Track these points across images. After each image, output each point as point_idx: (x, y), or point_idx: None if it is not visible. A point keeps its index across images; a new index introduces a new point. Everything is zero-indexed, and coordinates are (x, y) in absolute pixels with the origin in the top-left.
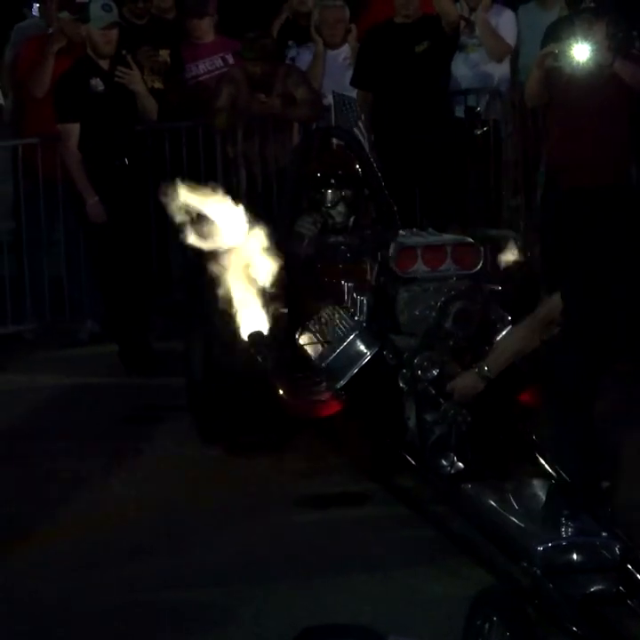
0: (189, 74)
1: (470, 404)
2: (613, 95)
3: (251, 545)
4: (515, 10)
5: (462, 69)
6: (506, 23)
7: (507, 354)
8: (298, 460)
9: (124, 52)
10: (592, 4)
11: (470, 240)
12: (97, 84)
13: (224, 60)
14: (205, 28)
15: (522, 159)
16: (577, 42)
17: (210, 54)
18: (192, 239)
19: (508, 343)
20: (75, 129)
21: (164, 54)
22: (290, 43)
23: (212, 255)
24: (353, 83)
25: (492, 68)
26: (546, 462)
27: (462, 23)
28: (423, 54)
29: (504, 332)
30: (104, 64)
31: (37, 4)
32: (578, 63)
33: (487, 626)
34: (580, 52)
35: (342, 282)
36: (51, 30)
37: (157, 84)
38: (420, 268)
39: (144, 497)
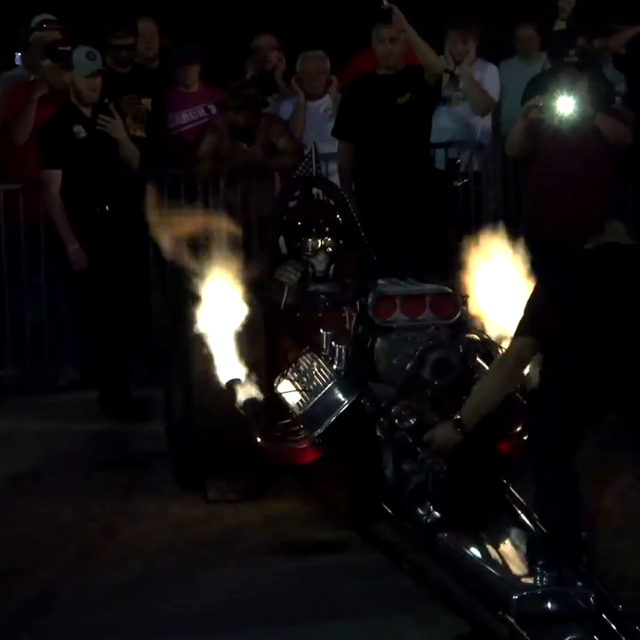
0: (172, 123)
1: (448, 453)
2: (597, 149)
3: (228, 592)
4: (497, 64)
5: (445, 122)
6: (490, 77)
7: (482, 403)
8: (276, 506)
9: (106, 100)
10: (576, 59)
11: (449, 290)
12: (79, 131)
13: (207, 110)
14: (193, 76)
15: (503, 212)
16: (561, 95)
17: (195, 103)
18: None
19: (482, 392)
20: (57, 175)
21: (147, 103)
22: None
23: (193, 303)
24: (334, 133)
25: (475, 122)
26: (523, 512)
27: (446, 76)
28: (405, 106)
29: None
30: (87, 111)
31: (19, 54)
32: (562, 116)
33: None
34: (565, 104)
35: (321, 330)
36: (33, 78)
37: (139, 133)
38: (398, 316)
39: (121, 542)
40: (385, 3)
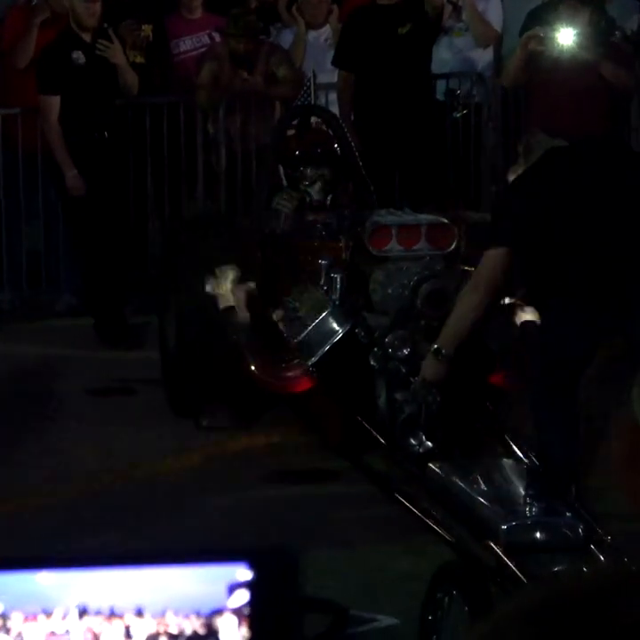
0: (175, 49)
1: (439, 385)
2: (595, 80)
3: (217, 519)
4: None
5: (446, 53)
6: (493, 9)
7: (457, 324)
8: (268, 435)
9: (105, 25)
10: None
11: (445, 220)
12: (78, 56)
13: (211, 37)
14: (197, 1)
15: (502, 144)
16: (562, 26)
17: (197, 30)
18: None
19: (457, 313)
20: (55, 101)
21: (147, 29)
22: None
23: (189, 231)
24: (334, 62)
25: (476, 54)
26: (513, 443)
27: (449, 7)
28: (406, 36)
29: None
30: (86, 37)
31: None
32: (562, 47)
33: (447, 600)
34: (565, 36)
35: (317, 259)
36: (35, 1)
37: (139, 59)
38: (394, 247)
39: (112, 468)
40: None
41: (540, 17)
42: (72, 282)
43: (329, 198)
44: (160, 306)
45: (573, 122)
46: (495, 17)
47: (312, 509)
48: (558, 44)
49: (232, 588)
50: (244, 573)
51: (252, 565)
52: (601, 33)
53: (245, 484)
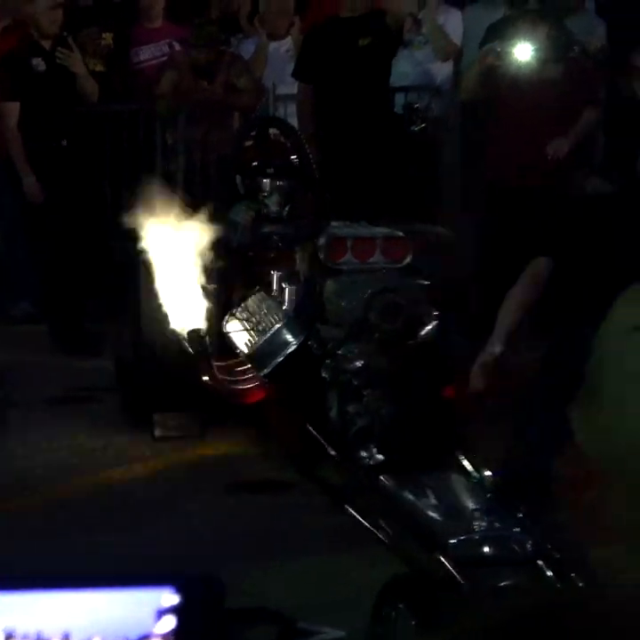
0: (135, 58)
1: (394, 396)
2: (554, 97)
3: (170, 530)
4: (461, 9)
5: (406, 66)
6: (453, 22)
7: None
8: (222, 445)
9: (65, 33)
10: (537, 6)
11: (400, 234)
12: (38, 63)
13: (171, 46)
14: (158, 10)
15: (461, 157)
16: (520, 41)
17: (158, 39)
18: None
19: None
20: (15, 108)
21: (108, 37)
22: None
23: (146, 238)
24: (294, 74)
25: (436, 67)
26: (465, 456)
27: (409, 20)
28: (366, 49)
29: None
30: (46, 44)
31: None
32: (520, 63)
33: (394, 614)
34: (523, 51)
35: (272, 270)
36: None
37: (99, 67)
38: (349, 259)
39: (65, 478)
40: None
41: (499, 31)
42: (29, 288)
43: (286, 210)
44: (116, 313)
45: (529, 139)
46: (455, 30)
47: (263, 520)
48: (515, 60)
49: (159, 614)
50: (170, 598)
51: (179, 590)
52: (559, 48)
53: (199, 495)
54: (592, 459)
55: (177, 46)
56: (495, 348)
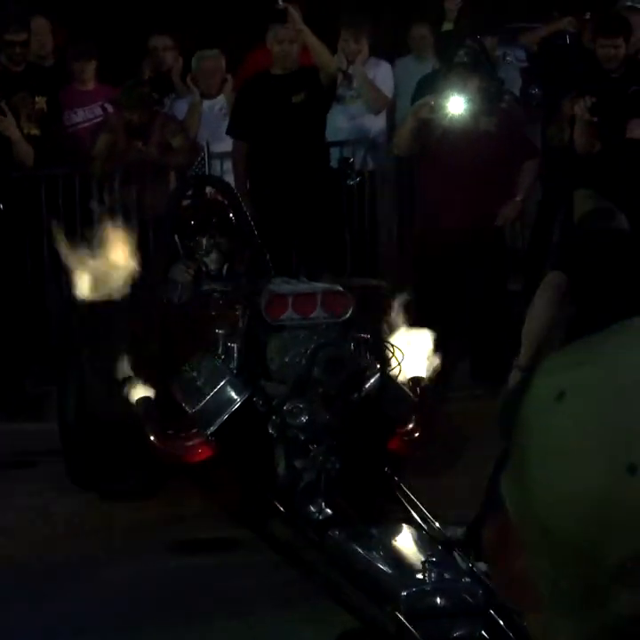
0: (69, 121)
1: (340, 450)
2: (487, 148)
3: (116, 592)
4: (392, 63)
5: (340, 121)
6: (383, 75)
7: (535, 340)
8: (168, 505)
9: None
10: (465, 59)
11: (340, 288)
12: None
13: (103, 108)
14: (89, 73)
15: (398, 210)
16: (452, 94)
17: (91, 101)
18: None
19: (531, 328)
20: None
21: (41, 101)
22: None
23: (87, 302)
24: (229, 132)
25: (369, 121)
26: (413, 508)
27: (340, 75)
28: (300, 105)
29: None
30: None
31: None
32: (453, 116)
33: None
34: (455, 104)
35: (214, 328)
36: None
37: (34, 131)
38: (290, 315)
39: (9, 543)
40: (280, 3)
41: (430, 85)
42: None
43: (225, 267)
44: (59, 376)
45: (463, 193)
46: (386, 83)
47: (212, 578)
48: (448, 113)
49: None
50: None
51: None
52: (491, 100)
53: (146, 555)
54: (518, 528)
55: (110, 108)
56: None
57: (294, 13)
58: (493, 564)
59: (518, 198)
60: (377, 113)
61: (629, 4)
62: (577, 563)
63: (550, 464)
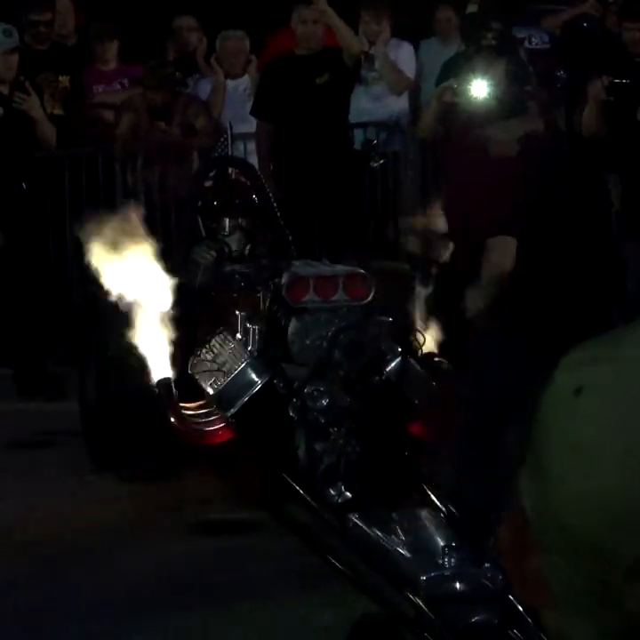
0: (91, 100)
1: (360, 434)
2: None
3: (138, 574)
4: (416, 45)
5: (363, 102)
6: (405, 56)
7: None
8: (188, 487)
9: (22, 77)
10: (493, 42)
11: (362, 271)
12: None
13: (122, 85)
14: (111, 53)
15: (421, 193)
16: (476, 78)
17: (113, 80)
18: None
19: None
20: None
21: (65, 80)
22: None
23: (109, 282)
24: (253, 113)
25: (393, 102)
26: (433, 492)
27: (363, 56)
28: (324, 86)
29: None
30: (3, 89)
31: None
32: (476, 100)
33: None
34: (479, 88)
35: (235, 311)
36: None
37: (57, 110)
38: (311, 298)
39: (32, 524)
40: None
41: (455, 68)
42: None
43: (247, 248)
44: (80, 356)
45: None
46: (408, 64)
47: (232, 561)
48: (472, 97)
49: None
50: None
51: None
52: (517, 83)
53: (166, 537)
54: (534, 526)
55: (132, 87)
56: None
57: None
58: (509, 562)
59: None
60: (399, 94)
61: None
62: (592, 561)
63: (567, 460)
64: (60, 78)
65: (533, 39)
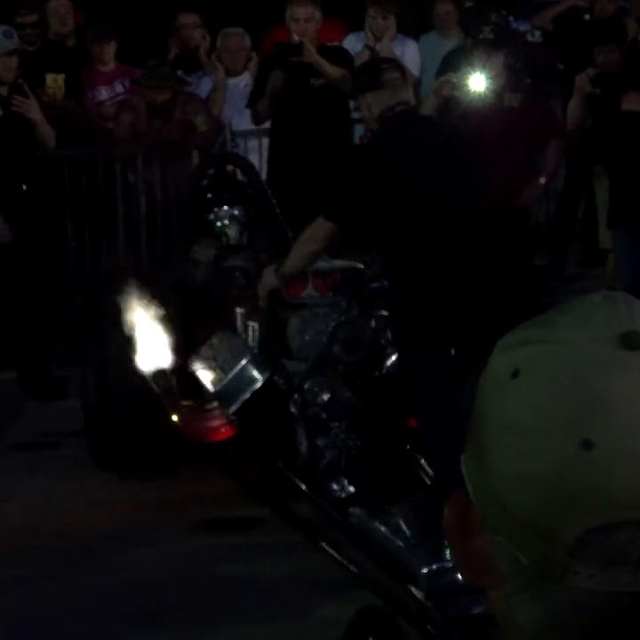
0: (91, 100)
1: (361, 428)
2: (509, 127)
3: (141, 571)
4: (416, 39)
5: None
6: (410, 53)
7: (298, 262)
8: (190, 485)
9: (20, 80)
10: (491, 35)
11: (360, 265)
12: None
13: (124, 86)
14: (109, 54)
15: None
16: (474, 72)
17: (111, 81)
18: None
19: (301, 253)
20: None
21: (60, 79)
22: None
23: (110, 282)
24: (249, 105)
25: None
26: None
27: (366, 53)
28: (320, 89)
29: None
30: (3, 90)
31: None
32: (474, 93)
33: None
34: (477, 82)
35: (234, 308)
36: None
37: (54, 111)
38: (310, 293)
39: (34, 523)
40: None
41: (454, 61)
42: None
43: (245, 237)
44: (82, 357)
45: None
46: (413, 61)
47: (235, 558)
48: (470, 90)
49: None
50: None
51: None
52: (516, 75)
53: (169, 535)
54: (478, 507)
55: (130, 87)
56: None
57: (310, 47)
58: (454, 542)
59: (542, 180)
60: None
61: None
62: (535, 538)
63: (507, 441)
64: (56, 77)
65: (535, 33)
